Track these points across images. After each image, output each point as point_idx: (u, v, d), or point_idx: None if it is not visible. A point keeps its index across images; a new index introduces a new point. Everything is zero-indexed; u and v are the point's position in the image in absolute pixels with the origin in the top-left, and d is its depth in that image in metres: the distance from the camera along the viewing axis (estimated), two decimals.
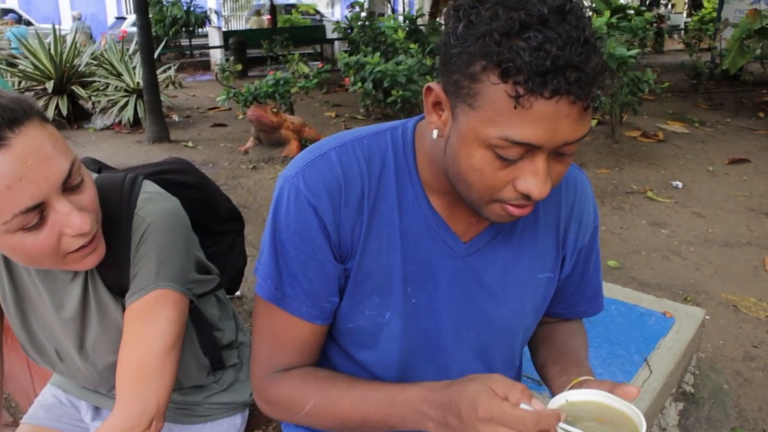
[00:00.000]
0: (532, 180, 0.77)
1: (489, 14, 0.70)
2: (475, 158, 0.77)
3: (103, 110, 7.57)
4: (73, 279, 1.08)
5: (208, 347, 1.26)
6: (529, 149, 0.75)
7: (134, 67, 7.53)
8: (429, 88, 0.82)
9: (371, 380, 0.95)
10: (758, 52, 7.50)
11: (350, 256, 0.91)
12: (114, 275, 1.07)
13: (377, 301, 0.93)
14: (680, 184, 5.11)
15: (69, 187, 0.91)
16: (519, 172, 0.77)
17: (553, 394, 0.96)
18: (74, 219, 0.91)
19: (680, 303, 2.47)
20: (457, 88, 0.75)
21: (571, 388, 0.91)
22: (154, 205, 1.08)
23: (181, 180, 1.26)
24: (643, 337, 2.15)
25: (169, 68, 8.43)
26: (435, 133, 0.83)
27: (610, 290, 2.53)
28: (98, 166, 1.22)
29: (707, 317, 2.84)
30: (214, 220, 1.33)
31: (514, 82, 0.69)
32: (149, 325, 1.04)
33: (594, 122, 6.81)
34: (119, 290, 1.08)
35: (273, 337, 0.95)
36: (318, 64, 6.80)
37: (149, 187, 1.11)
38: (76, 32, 8.09)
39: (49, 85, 7.33)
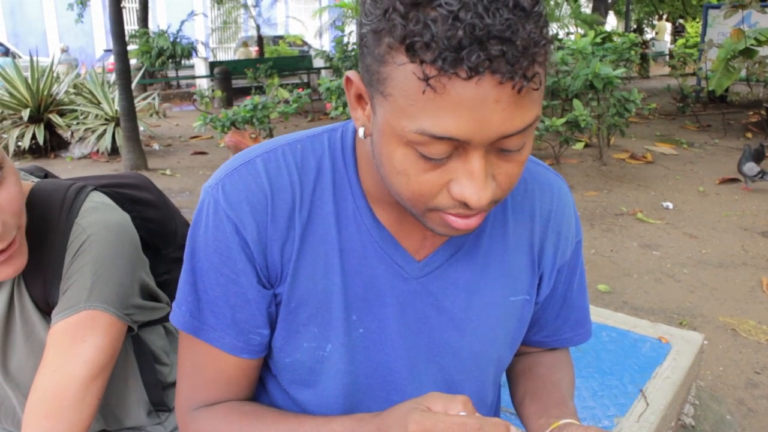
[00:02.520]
0: (468, 183, 0.62)
1: None
2: (396, 158, 0.63)
3: (82, 139, 7.42)
4: None
5: (148, 383, 1.13)
6: (459, 145, 0.60)
7: (114, 98, 7.40)
8: (348, 79, 0.69)
9: (301, 414, 0.81)
10: (744, 73, 7.46)
11: (280, 280, 0.78)
12: (42, 290, 0.95)
13: (315, 332, 0.79)
14: (671, 205, 4.98)
15: None
16: (452, 173, 0.63)
17: None
18: None
19: (676, 327, 2.30)
20: (370, 74, 0.63)
21: None
22: (99, 215, 0.97)
23: (136, 196, 1.13)
24: (638, 366, 1.98)
25: (150, 96, 8.30)
26: (361, 131, 0.70)
27: (601, 315, 2.37)
28: (44, 173, 1.11)
29: (705, 342, 2.66)
30: (169, 245, 1.19)
31: (422, 60, 0.56)
32: (73, 350, 0.92)
33: (581, 145, 6.72)
34: (47, 307, 0.96)
35: (195, 371, 0.82)
36: (299, 89, 6.69)
37: (97, 197, 1.00)
38: (53, 61, 7.98)
39: (25, 114, 7.17)
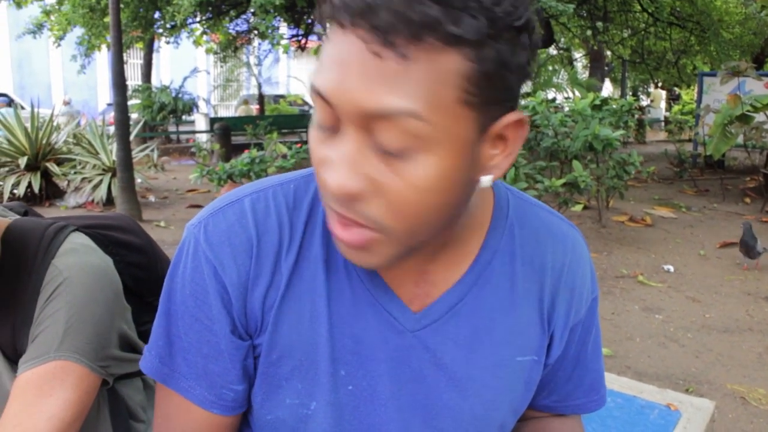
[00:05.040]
0: (329, 165, 0.57)
1: None
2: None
3: (77, 188, 7.39)
4: None
5: None
6: (336, 120, 0.56)
7: (112, 149, 7.42)
8: None
9: None
10: (741, 138, 7.52)
11: (261, 330, 0.70)
12: (10, 335, 0.89)
13: (299, 387, 0.71)
14: (672, 268, 4.90)
15: None
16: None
17: None
18: None
19: (684, 394, 2.18)
20: None
21: None
22: (77, 257, 0.91)
23: (122, 239, 1.08)
24: None
25: (148, 147, 8.32)
26: None
27: (605, 379, 2.24)
28: (24, 210, 1.07)
29: (715, 411, 2.54)
30: (155, 292, 1.12)
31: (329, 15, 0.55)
32: (38, 405, 0.84)
33: (580, 207, 6.69)
34: (14, 354, 0.89)
35: (164, 422, 0.74)
36: (297, 145, 6.70)
37: (77, 238, 0.95)
38: (53, 111, 8.04)
39: (22, 161, 7.15)
